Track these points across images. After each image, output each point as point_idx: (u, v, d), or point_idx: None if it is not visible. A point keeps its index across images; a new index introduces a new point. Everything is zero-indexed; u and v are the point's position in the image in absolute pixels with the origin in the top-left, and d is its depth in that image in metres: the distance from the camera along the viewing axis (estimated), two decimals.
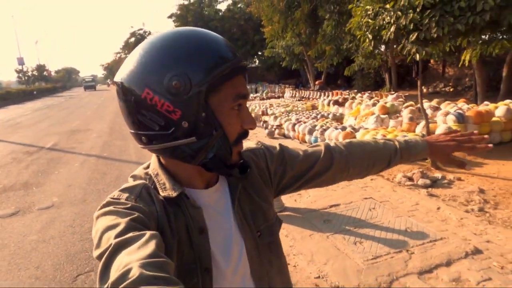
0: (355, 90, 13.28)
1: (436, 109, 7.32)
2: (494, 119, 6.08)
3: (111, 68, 77.49)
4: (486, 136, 0.95)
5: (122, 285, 0.43)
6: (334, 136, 6.58)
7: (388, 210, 3.50)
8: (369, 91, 12.43)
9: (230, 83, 0.63)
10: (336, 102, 10.78)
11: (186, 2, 25.29)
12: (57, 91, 55.66)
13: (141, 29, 38.66)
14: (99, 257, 0.52)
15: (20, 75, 52.87)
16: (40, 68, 60.59)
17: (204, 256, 0.67)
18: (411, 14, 3.73)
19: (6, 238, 3.67)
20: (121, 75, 0.63)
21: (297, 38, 13.49)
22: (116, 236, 0.52)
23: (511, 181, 4.32)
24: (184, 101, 0.60)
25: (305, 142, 7.22)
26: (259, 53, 24.72)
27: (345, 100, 10.80)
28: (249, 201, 0.77)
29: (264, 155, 0.83)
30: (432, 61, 15.78)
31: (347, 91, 13.16)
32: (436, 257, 2.61)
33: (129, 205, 0.60)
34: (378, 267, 2.52)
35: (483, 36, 5.91)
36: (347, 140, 0.93)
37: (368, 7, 4.32)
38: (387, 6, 3.97)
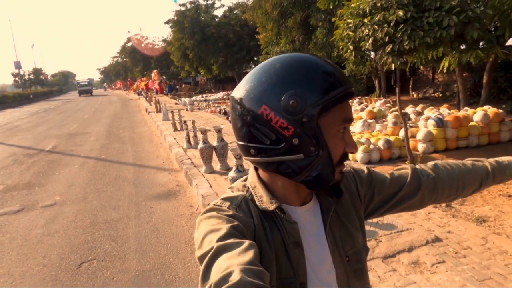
0: None
1: (419, 114, 7.73)
2: (471, 123, 6.48)
3: (108, 72, 77.80)
4: None
5: (224, 286, 0.46)
6: None
7: None
8: (360, 97, 12.84)
9: (340, 106, 0.66)
10: None
11: (183, 8, 25.72)
12: (53, 95, 55.87)
13: (138, 34, 39.11)
14: (201, 258, 0.56)
15: (17, 78, 52.99)
16: (37, 71, 60.65)
17: (300, 270, 0.69)
18: (386, 28, 4.11)
19: (13, 232, 3.97)
20: (239, 92, 0.68)
21: (291, 44, 13.89)
22: (218, 240, 0.56)
23: None
24: (298, 119, 0.64)
25: None
26: (255, 58, 25.16)
27: None
28: (339, 225, 0.77)
29: (354, 178, 0.84)
30: (422, 67, 16.25)
31: None
32: (400, 244, 2.96)
33: (230, 213, 0.65)
34: None
35: (461, 47, 6.33)
36: (432, 162, 0.92)
37: (349, 20, 4.70)
38: (365, 20, 4.35)
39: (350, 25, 4.65)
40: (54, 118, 17.66)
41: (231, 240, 0.56)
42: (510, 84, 11.38)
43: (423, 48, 4.25)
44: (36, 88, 54.02)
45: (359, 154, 5.78)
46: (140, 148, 8.50)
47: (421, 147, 6.18)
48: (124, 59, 46.96)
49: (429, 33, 3.96)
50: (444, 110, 7.72)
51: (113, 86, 75.11)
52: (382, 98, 11.06)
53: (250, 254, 0.52)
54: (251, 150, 0.68)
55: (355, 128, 7.74)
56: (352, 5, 4.56)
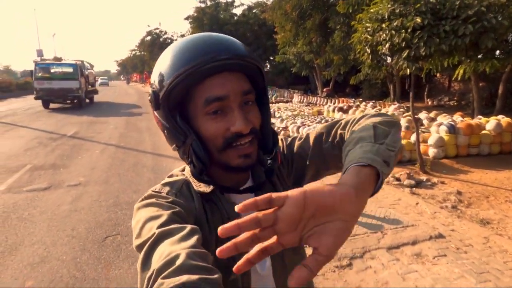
0: (360, 99, 13.78)
1: (432, 120, 7.83)
2: (484, 132, 6.56)
3: (125, 65, 79.14)
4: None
5: (166, 272, 0.44)
6: None
7: (373, 203, 4.03)
8: (374, 101, 12.92)
9: (201, 86, 0.60)
10: (341, 109, 11.32)
11: (203, 5, 26.09)
12: None
13: (157, 29, 39.73)
14: (141, 246, 0.52)
15: None
16: (57, 60, 62.07)
17: (242, 253, 0.74)
18: (403, 34, 4.27)
19: (43, 207, 4.28)
20: None
21: (308, 46, 14.06)
22: (159, 227, 0.53)
23: (488, 186, 4.81)
24: (158, 110, 0.63)
25: None
26: (271, 58, 25.36)
27: (350, 107, 11.33)
28: None
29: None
30: (438, 75, 16.20)
31: (353, 99, 13.67)
32: (404, 238, 3.14)
33: (170, 199, 0.62)
34: (355, 242, 3.06)
35: (478, 56, 6.43)
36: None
37: (368, 24, 4.87)
38: (383, 25, 4.52)
39: (369, 29, 4.82)
40: (74, 105, 18.19)
41: (173, 226, 0.53)
42: None
43: (438, 55, 4.40)
44: None
45: None
46: (157, 138, 8.81)
47: (432, 152, 6.29)
48: (142, 53, 47.72)
49: (445, 40, 4.11)
50: (457, 117, 7.80)
51: (130, 79, 76.36)
52: (396, 103, 11.13)
53: (193, 239, 0.50)
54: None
55: None
56: (372, 10, 4.73)
